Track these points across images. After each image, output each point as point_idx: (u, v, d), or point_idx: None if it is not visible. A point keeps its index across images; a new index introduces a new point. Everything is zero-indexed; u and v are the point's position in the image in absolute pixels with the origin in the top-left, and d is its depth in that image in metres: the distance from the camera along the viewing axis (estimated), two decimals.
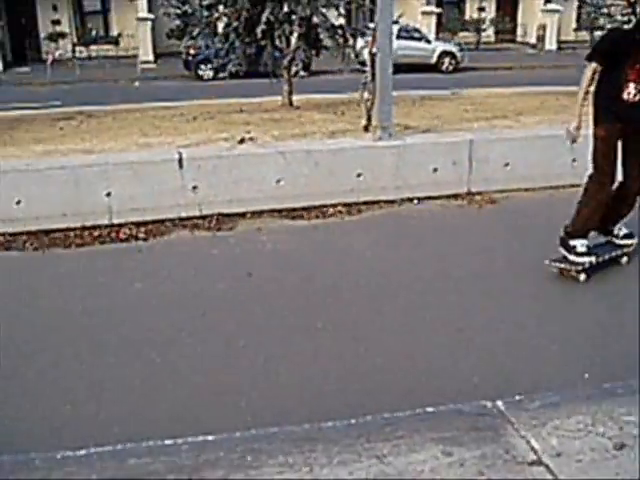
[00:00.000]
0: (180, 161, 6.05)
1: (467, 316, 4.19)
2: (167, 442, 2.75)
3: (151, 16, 29.95)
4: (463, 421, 2.92)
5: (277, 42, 10.57)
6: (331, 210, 6.19)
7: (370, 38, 9.47)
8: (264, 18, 9.86)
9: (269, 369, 3.61)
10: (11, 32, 31.98)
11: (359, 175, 6.29)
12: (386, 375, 3.54)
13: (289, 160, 6.23)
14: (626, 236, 5.00)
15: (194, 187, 6.07)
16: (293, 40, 10.42)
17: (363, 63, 15.26)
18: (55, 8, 32.35)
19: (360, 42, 10.52)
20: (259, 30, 9.97)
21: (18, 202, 5.95)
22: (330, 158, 6.35)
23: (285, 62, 10.28)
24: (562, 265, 4.79)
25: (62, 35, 32.05)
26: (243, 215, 6.07)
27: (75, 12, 32.97)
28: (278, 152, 6.33)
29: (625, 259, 5.05)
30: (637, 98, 4.33)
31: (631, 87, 4.32)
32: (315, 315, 4.11)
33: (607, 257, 4.92)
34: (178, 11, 11.18)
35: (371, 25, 9.77)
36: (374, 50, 7.00)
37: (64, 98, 16.11)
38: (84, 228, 5.98)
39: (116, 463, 2.63)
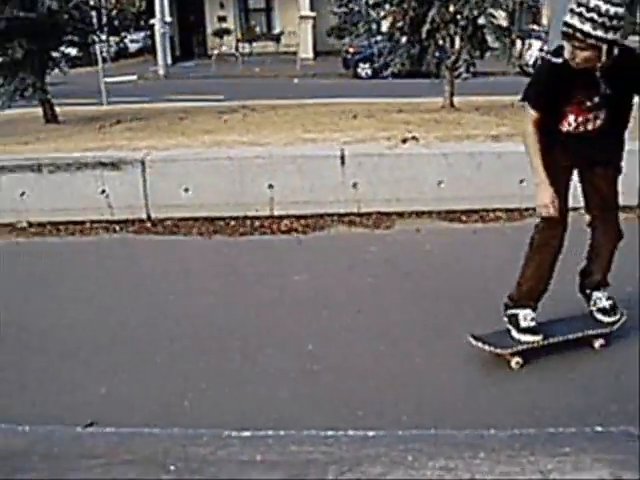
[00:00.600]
0: (342, 157, 6.13)
1: None
2: (328, 433, 2.79)
3: (313, 14, 30.53)
4: (632, 444, 2.77)
5: (441, 42, 10.48)
6: (491, 215, 6.06)
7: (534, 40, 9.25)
8: (430, 18, 9.81)
9: (423, 368, 3.58)
10: (180, 28, 33.73)
11: (521, 181, 6.10)
12: None
13: (451, 162, 6.16)
14: (605, 310, 3.72)
15: (354, 184, 6.13)
16: (457, 41, 10.30)
17: (523, 66, 14.88)
18: (222, 6, 33.75)
19: (536, 44, 10.20)
20: (424, 30, 9.93)
21: (186, 190, 6.26)
22: (493, 161, 6.21)
23: (448, 63, 10.17)
24: (486, 346, 3.51)
25: (227, 31, 33.40)
26: (401, 215, 6.06)
27: (240, 10, 34.22)
28: (441, 153, 6.27)
29: (599, 342, 3.67)
30: (581, 129, 3.41)
31: (571, 119, 3.40)
32: (472, 318, 4.02)
33: (566, 337, 3.59)
34: (345, 9, 11.33)
35: (536, 27, 9.55)
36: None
37: (227, 92, 16.76)
38: (246, 218, 6.20)
39: (279, 448, 2.71)
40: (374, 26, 11.40)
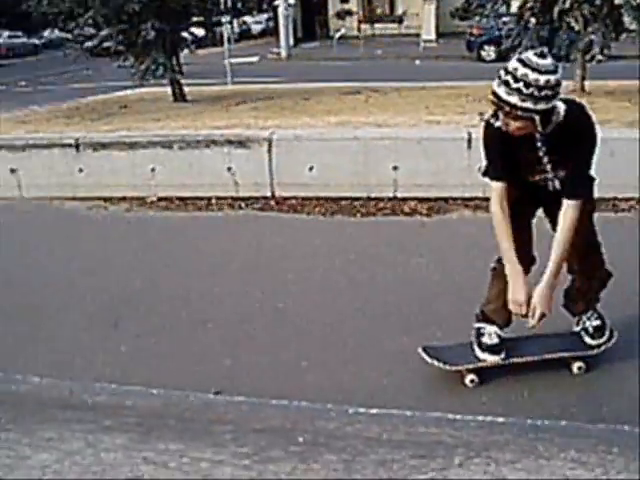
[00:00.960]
0: (469, 141, 6.01)
1: None
2: (457, 417, 2.77)
3: None
4: None
5: (573, 23, 10.04)
6: (624, 204, 5.81)
7: None
8: None
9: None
10: (303, 10, 34.01)
11: None
12: None
13: None
14: (589, 332, 3.32)
15: (480, 168, 5.99)
16: (591, 22, 9.82)
17: None
18: None
19: None
20: (556, 10, 9.54)
21: (311, 169, 6.33)
22: (628, 148, 5.93)
23: (581, 45, 9.74)
24: (434, 361, 3.21)
25: (349, 13, 33.42)
26: None
27: None
28: None
29: (578, 365, 3.26)
30: (537, 178, 3.01)
31: (530, 179, 3.04)
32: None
33: (536, 357, 3.22)
34: None
35: None
36: None
37: (349, 74, 16.77)
38: (369, 199, 6.21)
39: (405, 427, 2.71)
40: (502, 7, 11.05)
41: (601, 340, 3.32)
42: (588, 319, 3.35)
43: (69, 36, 11.69)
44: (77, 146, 6.87)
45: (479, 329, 3.29)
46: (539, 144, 2.87)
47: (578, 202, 2.89)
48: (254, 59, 24.95)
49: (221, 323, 4.02)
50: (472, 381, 3.19)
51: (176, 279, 4.79)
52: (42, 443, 2.71)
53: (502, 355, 3.24)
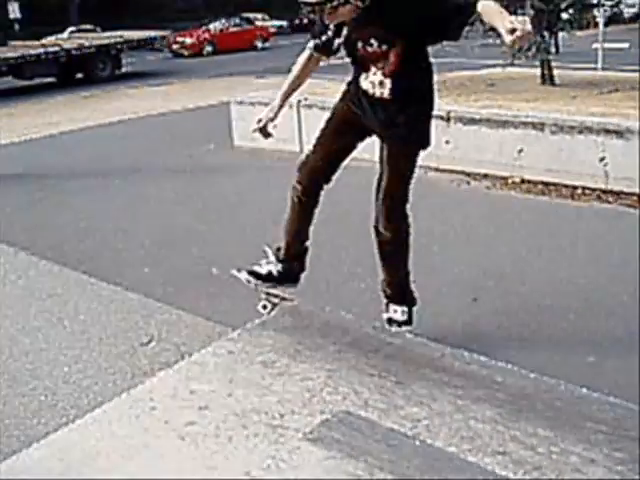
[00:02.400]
0: None
1: None
2: None
3: None
4: None
5: None
6: None
7: None
8: None
9: None
10: None
11: None
12: None
13: None
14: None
15: None
16: None
17: None
18: None
19: None
20: None
21: None
22: None
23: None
24: None
25: None
26: None
27: None
28: None
29: None
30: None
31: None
32: None
33: None
34: None
35: None
36: None
37: None
38: None
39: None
40: None
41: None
42: (395, 312, 3.52)
43: None
44: (448, 118, 7.03)
45: None
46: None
47: None
48: (625, 45, 23.34)
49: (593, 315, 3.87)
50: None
51: (535, 262, 4.71)
52: (414, 397, 2.85)
53: None
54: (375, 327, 3.51)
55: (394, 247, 3.48)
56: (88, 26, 31.55)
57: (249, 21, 33.06)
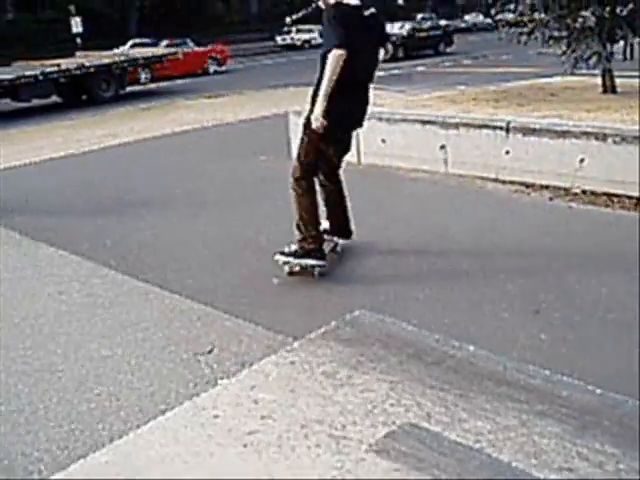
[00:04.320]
0: None
1: None
2: None
3: None
4: None
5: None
6: None
7: None
8: None
9: None
10: None
11: None
12: None
13: None
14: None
15: None
16: None
17: None
18: None
19: None
20: None
21: None
22: None
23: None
24: None
25: None
26: None
27: None
28: None
29: None
30: None
31: None
32: None
33: None
34: None
35: None
36: None
37: None
38: None
39: None
40: None
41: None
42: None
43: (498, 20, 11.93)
44: (507, 129, 6.97)
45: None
46: None
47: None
48: None
49: None
50: None
51: (598, 276, 4.62)
52: (478, 411, 2.83)
53: None
54: (437, 339, 3.49)
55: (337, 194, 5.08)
56: (147, 39, 32.18)
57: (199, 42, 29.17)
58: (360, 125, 5.04)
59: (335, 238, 5.23)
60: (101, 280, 5.28)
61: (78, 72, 18.80)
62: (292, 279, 4.91)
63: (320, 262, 4.79)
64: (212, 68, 27.51)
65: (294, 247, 4.86)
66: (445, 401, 2.89)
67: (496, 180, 6.95)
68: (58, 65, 18.67)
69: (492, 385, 3.00)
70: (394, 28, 32.46)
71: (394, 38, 30.33)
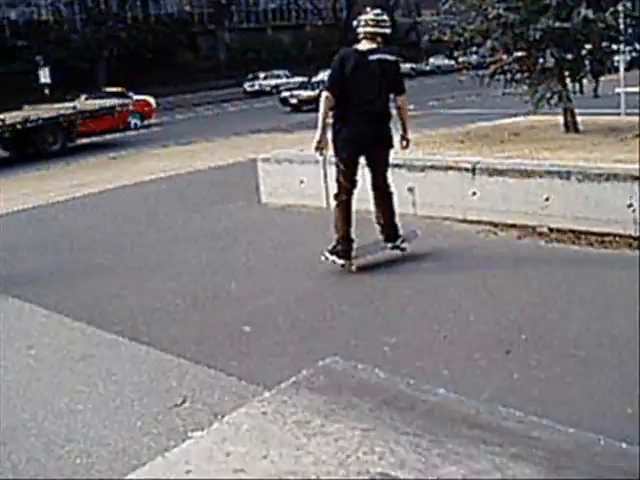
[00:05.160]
0: None
1: None
2: None
3: None
4: None
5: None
6: None
7: None
8: None
9: None
10: None
11: None
12: None
13: None
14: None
15: None
16: None
17: None
18: None
19: None
20: None
21: None
22: None
23: None
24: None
25: None
26: None
27: None
28: None
29: None
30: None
31: None
32: None
33: None
34: None
35: None
36: None
37: None
38: None
39: None
40: None
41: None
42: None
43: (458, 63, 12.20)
44: (473, 170, 7.08)
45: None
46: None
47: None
48: None
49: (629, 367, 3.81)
50: None
51: (569, 313, 4.67)
52: (451, 456, 2.82)
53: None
54: (409, 384, 3.49)
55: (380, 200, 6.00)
56: (116, 89, 32.29)
57: (122, 95, 27.72)
58: (375, 148, 5.84)
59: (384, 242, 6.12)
60: (71, 333, 5.22)
61: (22, 126, 18.30)
62: (263, 326, 4.90)
63: (341, 261, 5.84)
64: (134, 122, 25.66)
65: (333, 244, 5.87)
66: (418, 447, 2.87)
67: (464, 221, 7.03)
68: (2, 120, 18.20)
69: (465, 429, 3.00)
70: (319, 76, 32.03)
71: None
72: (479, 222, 6.94)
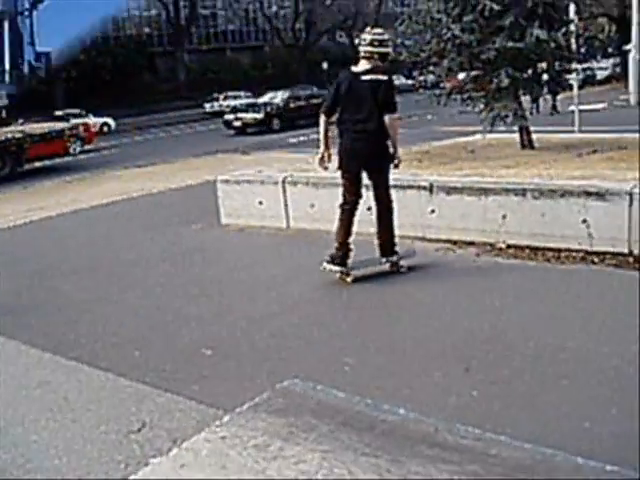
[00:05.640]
0: None
1: None
2: None
3: None
4: None
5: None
6: None
7: None
8: None
9: None
10: None
11: None
12: None
13: None
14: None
15: None
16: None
17: None
18: None
19: None
20: None
21: None
22: None
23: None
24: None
25: None
26: None
27: None
28: None
29: None
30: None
31: None
32: None
33: None
34: None
35: None
36: None
37: None
38: None
39: None
40: None
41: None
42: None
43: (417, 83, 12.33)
44: (431, 189, 7.15)
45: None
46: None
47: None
48: (600, 106, 23.94)
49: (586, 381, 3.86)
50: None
51: (527, 328, 4.72)
52: (410, 475, 2.82)
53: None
54: (369, 404, 3.49)
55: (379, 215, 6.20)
56: (75, 110, 31.99)
57: (61, 118, 26.82)
58: (371, 164, 6.09)
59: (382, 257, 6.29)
60: (27, 360, 5.12)
61: None
62: (224, 348, 4.87)
63: (336, 268, 6.06)
64: (74, 148, 23.33)
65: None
66: (378, 467, 2.87)
67: (423, 239, 7.08)
68: None
69: (424, 448, 3.00)
70: (264, 97, 31.02)
71: (269, 108, 28.61)
72: (438, 240, 7.00)
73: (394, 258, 6.25)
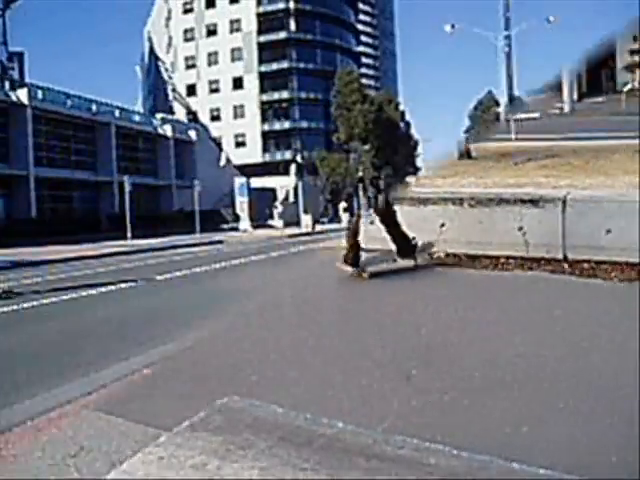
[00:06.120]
0: None
1: None
2: None
3: None
4: None
5: None
6: None
7: None
8: None
9: None
10: (588, 63, 32.68)
11: None
12: None
13: None
14: None
15: None
16: None
17: None
18: (635, 39, 31.90)
19: None
20: None
21: (608, 231, 6.00)
22: None
23: None
24: None
25: None
26: None
27: None
28: None
29: None
30: None
31: None
32: None
33: None
34: None
35: None
36: None
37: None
38: None
39: None
40: None
41: None
42: None
43: None
44: (369, 199, 7.19)
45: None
46: None
47: None
48: (536, 114, 24.44)
49: (518, 386, 3.91)
50: None
51: (468, 336, 4.77)
52: None
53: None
54: (307, 418, 3.47)
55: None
56: None
57: None
58: None
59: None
60: None
61: None
62: (168, 368, 4.81)
63: (347, 267, 6.65)
64: None
65: None
66: None
67: (363, 249, 7.12)
68: None
69: (362, 461, 3.00)
70: None
71: None
72: (377, 250, 7.04)
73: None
